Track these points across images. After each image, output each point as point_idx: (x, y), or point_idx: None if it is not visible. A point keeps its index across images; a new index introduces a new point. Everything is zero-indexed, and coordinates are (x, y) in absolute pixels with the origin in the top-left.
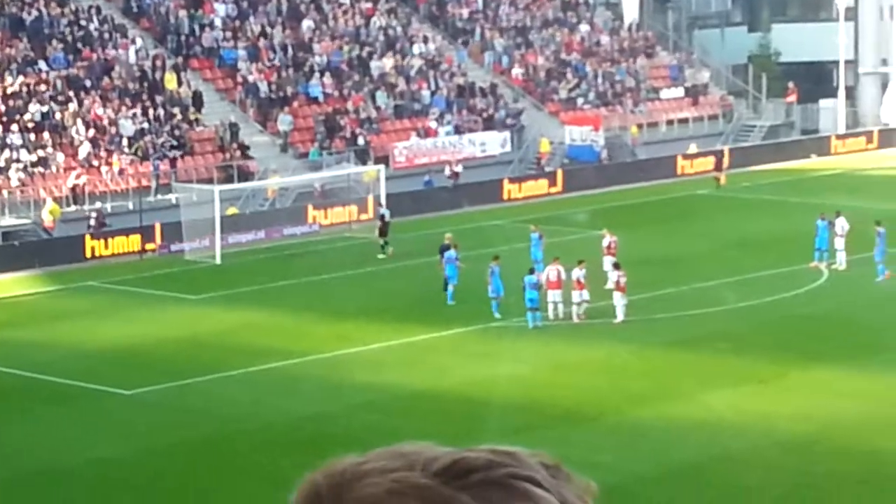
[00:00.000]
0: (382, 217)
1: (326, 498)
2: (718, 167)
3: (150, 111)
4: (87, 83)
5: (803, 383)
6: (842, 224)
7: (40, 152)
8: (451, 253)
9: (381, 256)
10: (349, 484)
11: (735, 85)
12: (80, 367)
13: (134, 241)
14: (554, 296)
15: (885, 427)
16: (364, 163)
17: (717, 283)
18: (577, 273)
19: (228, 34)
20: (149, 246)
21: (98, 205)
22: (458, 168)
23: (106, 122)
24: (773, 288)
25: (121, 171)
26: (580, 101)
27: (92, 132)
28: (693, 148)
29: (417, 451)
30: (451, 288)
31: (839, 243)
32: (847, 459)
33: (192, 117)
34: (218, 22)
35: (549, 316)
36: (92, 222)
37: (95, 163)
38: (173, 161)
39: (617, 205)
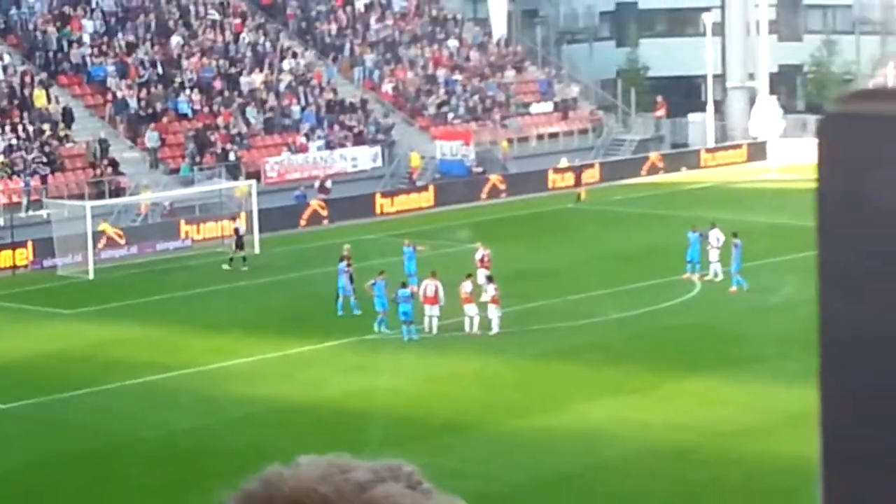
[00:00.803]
0: (237, 230)
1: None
2: (578, 182)
3: (20, 127)
4: None
5: (678, 393)
6: (716, 236)
7: None
8: (342, 265)
9: (244, 269)
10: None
11: (604, 99)
12: None
13: (6, 257)
14: (430, 310)
15: (762, 435)
16: (236, 178)
17: (590, 294)
18: (466, 287)
19: (97, 50)
20: (20, 261)
21: None
22: (328, 183)
23: None
24: (647, 299)
25: None
26: (450, 115)
27: None
28: (563, 162)
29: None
30: (340, 299)
31: (713, 255)
32: (724, 467)
33: (61, 133)
34: (86, 38)
35: (426, 330)
36: None
37: None
38: (44, 177)
39: (489, 218)
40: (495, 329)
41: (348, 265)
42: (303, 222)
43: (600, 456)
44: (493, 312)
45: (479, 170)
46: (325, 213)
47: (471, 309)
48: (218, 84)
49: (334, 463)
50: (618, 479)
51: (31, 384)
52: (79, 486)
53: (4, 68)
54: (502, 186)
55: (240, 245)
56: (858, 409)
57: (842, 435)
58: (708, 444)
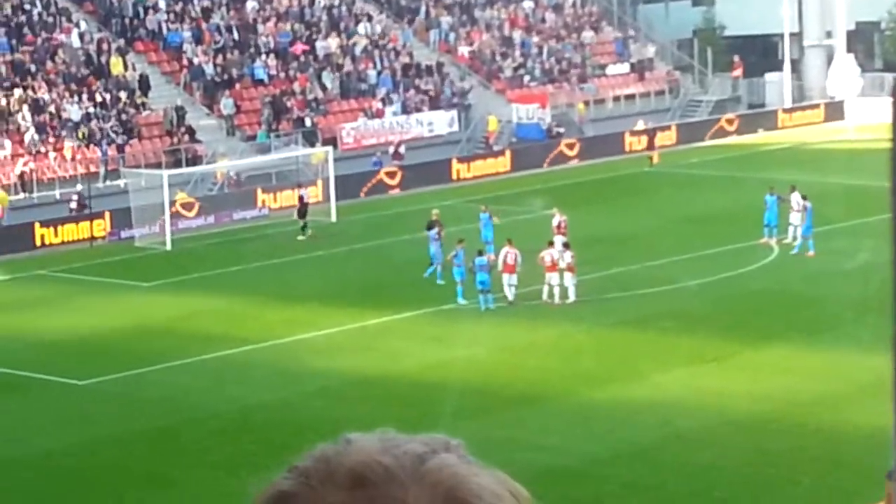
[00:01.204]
0: (301, 198)
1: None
2: (651, 145)
3: (97, 96)
4: (32, 68)
5: (756, 361)
6: (797, 199)
7: None
8: (432, 232)
9: (300, 238)
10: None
11: (681, 60)
12: (32, 358)
13: (83, 228)
14: (509, 279)
15: (839, 404)
16: (312, 145)
17: (667, 261)
18: (547, 254)
19: (172, 16)
20: (98, 233)
21: (79, 187)
22: (402, 149)
23: (52, 107)
24: (725, 265)
25: (69, 158)
26: (526, 78)
27: (38, 118)
28: (640, 124)
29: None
30: (435, 266)
31: (794, 218)
32: (802, 437)
33: (138, 101)
34: (162, 4)
35: (508, 298)
36: (73, 205)
37: (42, 149)
38: (121, 146)
39: (566, 183)
40: (572, 297)
41: (439, 232)
42: (380, 188)
43: (678, 427)
44: (570, 280)
45: (560, 130)
46: (395, 180)
47: (553, 278)
48: (294, 49)
49: (386, 437)
50: (696, 451)
51: (109, 359)
52: (155, 461)
53: (81, 36)
54: (578, 150)
55: (303, 213)
56: None
57: None
58: (786, 414)
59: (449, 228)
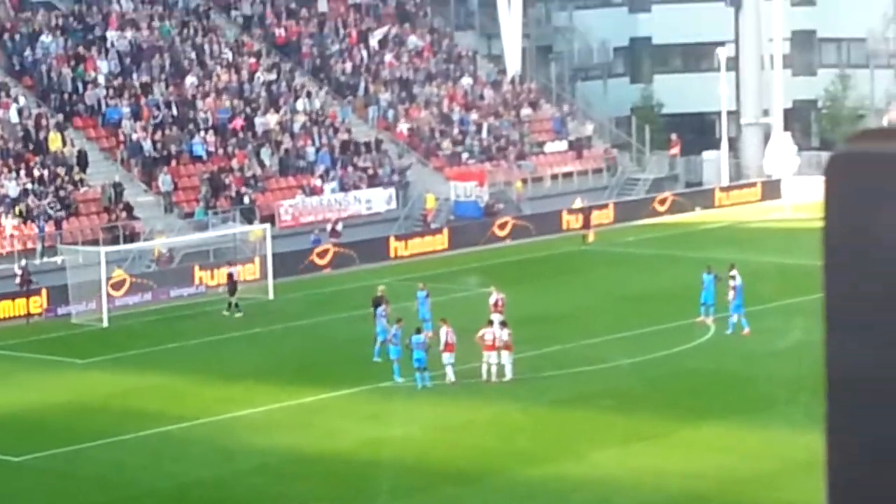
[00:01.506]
0: (230, 276)
1: None
2: (587, 224)
3: (34, 171)
4: None
5: (692, 440)
6: (736, 276)
7: None
8: (379, 310)
9: (226, 314)
10: None
11: (619, 137)
12: None
13: (20, 305)
14: (448, 358)
15: (774, 482)
16: (250, 222)
17: (603, 339)
18: (488, 333)
19: (111, 91)
20: (35, 310)
21: (23, 262)
22: (339, 227)
23: None
24: (661, 343)
25: (4, 234)
26: (465, 155)
27: None
28: (577, 202)
29: None
30: (377, 344)
31: (731, 295)
32: None
33: (76, 177)
34: (101, 79)
35: (448, 378)
36: (17, 280)
37: None
38: (58, 222)
39: (503, 261)
40: (509, 375)
41: (385, 309)
42: (316, 267)
43: None
44: (507, 358)
45: (500, 206)
46: (326, 260)
47: (492, 356)
48: (234, 125)
49: None
50: None
51: (45, 436)
52: None
53: (20, 111)
54: (515, 229)
55: (232, 291)
56: (865, 454)
57: (848, 482)
58: (721, 492)
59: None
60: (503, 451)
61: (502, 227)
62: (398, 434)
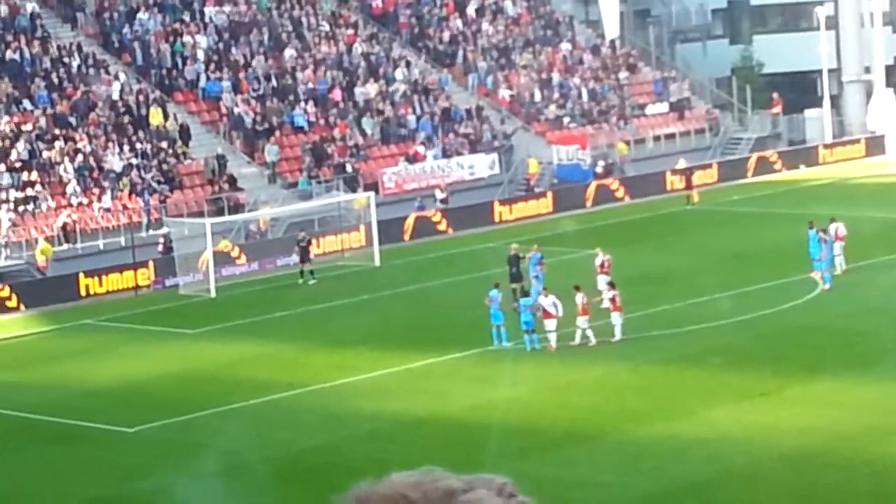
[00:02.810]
0: (299, 242)
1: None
2: (689, 185)
3: (137, 146)
4: (73, 120)
5: (805, 395)
6: (836, 229)
7: (29, 191)
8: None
9: (300, 282)
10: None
11: (719, 98)
12: (82, 407)
13: (128, 278)
14: (549, 324)
15: (888, 437)
16: (353, 190)
17: (712, 297)
18: (578, 298)
19: (211, 66)
20: (143, 282)
21: (165, 230)
22: (445, 194)
23: (93, 159)
24: (768, 300)
25: (110, 209)
26: (566, 119)
27: (79, 169)
28: (681, 163)
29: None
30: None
31: (836, 248)
32: (853, 471)
33: (179, 151)
34: (200, 54)
35: (553, 345)
36: (160, 248)
37: (85, 200)
38: (163, 196)
39: (608, 223)
40: (618, 336)
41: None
42: (420, 232)
43: (728, 462)
44: (616, 319)
45: (602, 168)
46: (441, 223)
47: (583, 321)
48: (333, 95)
49: (426, 474)
50: (747, 486)
51: (157, 406)
52: None
53: (120, 87)
54: (619, 190)
55: (305, 258)
56: None
57: None
58: (834, 448)
59: (492, 270)
60: (614, 410)
61: (609, 186)
62: (507, 396)
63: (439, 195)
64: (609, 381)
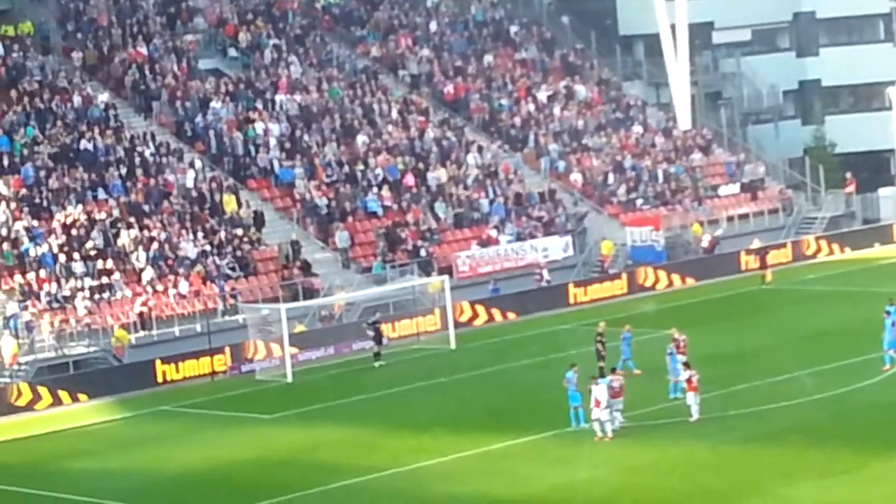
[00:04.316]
0: (371, 324)
1: None
2: (763, 264)
3: (211, 233)
4: (146, 208)
5: (887, 472)
6: None
7: (104, 279)
8: (570, 374)
9: (375, 365)
10: None
11: (793, 178)
12: (159, 493)
13: (204, 364)
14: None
15: None
16: (428, 274)
17: (789, 376)
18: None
19: (284, 153)
20: (219, 367)
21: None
22: (545, 273)
23: (167, 246)
24: (847, 378)
25: (184, 296)
26: (639, 201)
27: (154, 258)
28: (755, 243)
29: None
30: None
31: None
32: None
33: (253, 237)
34: (272, 141)
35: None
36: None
37: (160, 287)
38: (237, 282)
39: (683, 303)
40: (695, 416)
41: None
42: (495, 315)
43: None
44: (692, 399)
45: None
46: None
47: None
48: (405, 180)
49: None
50: None
51: (236, 493)
52: None
53: (195, 175)
54: (693, 271)
55: (378, 340)
56: None
57: None
58: None
59: (569, 352)
60: (693, 491)
61: (681, 269)
62: (587, 477)
63: (546, 276)
64: (687, 461)
